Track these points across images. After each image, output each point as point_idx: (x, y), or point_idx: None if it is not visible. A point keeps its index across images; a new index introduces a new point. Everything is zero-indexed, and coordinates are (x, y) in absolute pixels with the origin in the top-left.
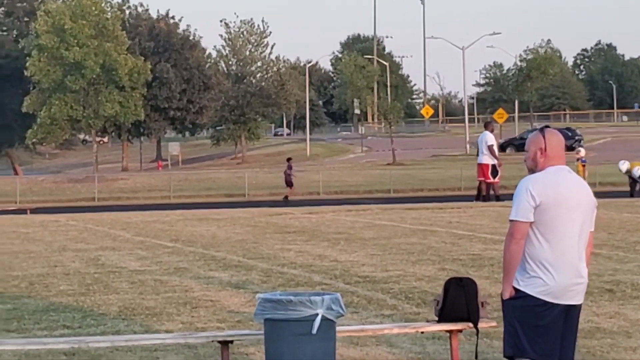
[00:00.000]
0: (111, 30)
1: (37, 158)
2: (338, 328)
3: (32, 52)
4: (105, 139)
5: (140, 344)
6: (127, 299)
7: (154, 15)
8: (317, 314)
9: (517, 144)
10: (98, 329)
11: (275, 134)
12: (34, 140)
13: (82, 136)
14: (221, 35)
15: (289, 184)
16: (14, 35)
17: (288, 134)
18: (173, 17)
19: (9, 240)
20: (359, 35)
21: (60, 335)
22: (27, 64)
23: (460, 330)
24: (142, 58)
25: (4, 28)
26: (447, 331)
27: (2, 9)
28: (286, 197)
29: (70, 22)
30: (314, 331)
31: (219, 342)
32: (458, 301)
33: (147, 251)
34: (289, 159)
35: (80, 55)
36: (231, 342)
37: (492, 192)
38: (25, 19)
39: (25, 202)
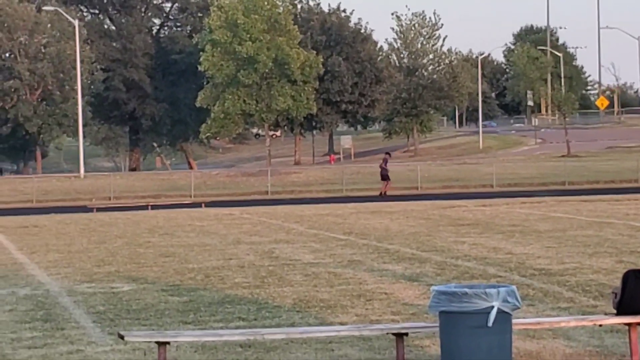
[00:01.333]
0: (283, 24)
1: (210, 152)
2: (514, 321)
3: (206, 47)
4: (278, 133)
5: (315, 336)
6: (301, 292)
7: (326, 9)
8: (492, 307)
9: None
10: (273, 321)
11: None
12: (208, 134)
13: (255, 130)
14: (392, 28)
15: (385, 177)
16: (188, 31)
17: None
18: (344, 11)
19: (184, 233)
20: (531, 26)
21: (236, 327)
22: (201, 59)
23: (639, 323)
24: (314, 52)
25: (178, 24)
26: (625, 324)
27: (176, 4)
28: (383, 192)
29: (243, 17)
30: (490, 324)
31: (394, 334)
32: (637, 293)
33: (321, 244)
34: (387, 153)
35: (253, 49)
36: (406, 334)
37: None
38: (199, 14)
39: (199, 196)
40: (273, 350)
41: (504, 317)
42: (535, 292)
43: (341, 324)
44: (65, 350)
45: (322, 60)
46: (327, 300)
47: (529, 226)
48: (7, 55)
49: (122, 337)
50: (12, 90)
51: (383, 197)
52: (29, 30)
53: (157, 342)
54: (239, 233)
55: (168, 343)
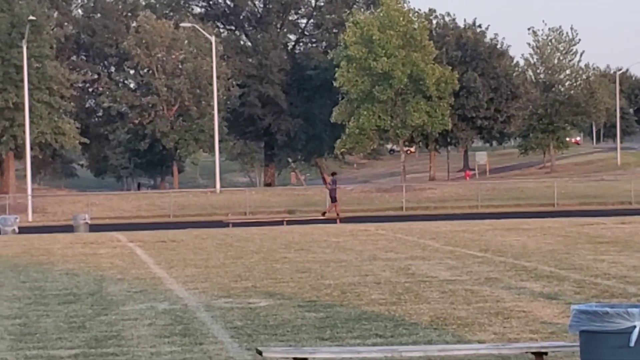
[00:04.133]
0: (419, 40)
1: (345, 167)
2: None
3: (341, 63)
4: (413, 149)
5: (453, 354)
6: (438, 309)
7: (461, 25)
8: (634, 326)
9: None
10: (410, 338)
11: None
12: (343, 150)
13: (389, 146)
14: (529, 44)
15: (333, 199)
16: (323, 47)
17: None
18: (480, 26)
19: (320, 249)
20: None
21: (373, 344)
22: (336, 75)
23: None
24: (450, 67)
25: (313, 40)
26: None
27: (312, 21)
28: (324, 212)
29: (379, 32)
30: (632, 344)
31: (533, 353)
32: None
33: (457, 261)
34: (333, 174)
35: (388, 65)
36: (545, 353)
37: None
38: (334, 30)
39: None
40: None
41: None
42: None
43: (479, 342)
44: None
45: (457, 75)
46: (465, 318)
47: None
48: (146, 71)
49: (260, 353)
50: (150, 106)
51: (341, 219)
52: (167, 46)
53: (294, 359)
54: (374, 249)
55: (306, 359)
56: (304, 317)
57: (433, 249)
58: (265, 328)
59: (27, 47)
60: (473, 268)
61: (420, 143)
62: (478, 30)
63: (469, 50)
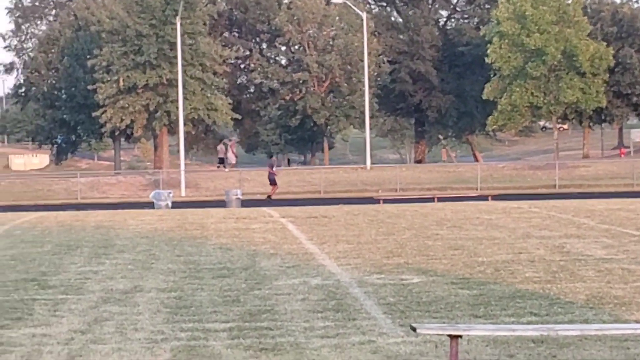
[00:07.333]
0: (572, 15)
1: (496, 145)
2: None
3: (493, 39)
4: (565, 126)
5: (610, 334)
6: (594, 288)
7: (617, 0)
8: None
9: None
10: (565, 317)
11: None
12: (494, 127)
13: (541, 123)
14: None
15: (272, 182)
16: (475, 23)
17: None
18: (637, 1)
19: (472, 226)
20: None
21: (528, 323)
22: (488, 51)
23: None
24: (604, 43)
25: (465, 16)
26: None
27: None
28: (269, 196)
29: (532, 8)
30: None
31: None
32: None
33: (613, 239)
34: (270, 156)
35: (541, 41)
36: None
37: None
38: (486, 6)
39: (486, 189)
40: (566, 346)
41: None
42: None
43: (637, 321)
44: (357, 340)
45: (612, 52)
46: (622, 297)
47: None
48: (297, 47)
49: (414, 330)
50: (301, 82)
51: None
52: (318, 23)
53: (449, 335)
54: (527, 227)
55: (460, 336)
56: (457, 294)
57: (588, 227)
58: (418, 305)
59: (181, 24)
60: (630, 247)
61: (574, 120)
62: (635, 5)
63: (624, 26)
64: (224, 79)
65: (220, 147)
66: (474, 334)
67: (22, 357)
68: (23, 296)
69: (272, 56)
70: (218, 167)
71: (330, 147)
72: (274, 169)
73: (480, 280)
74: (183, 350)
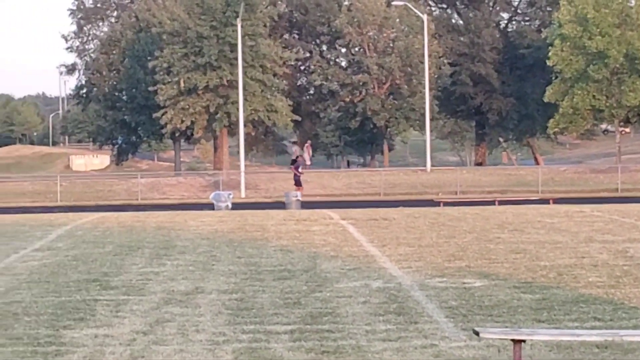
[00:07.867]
0: (634, 18)
1: (557, 148)
2: None
3: (555, 41)
4: (628, 129)
5: None
6: None
7: None
8: None
9: None
10: (630, 323)
11: None
12: (556, 129)
13: (603, 126)
14: None
15: (297, 183)
16: (536, 25)
17: None
18: None
19: (534, 230)
20: None
21: (591, 328)
22: (550, 54)
23: None
24: None
25: (527, 18)
26: None
27: None
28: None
29: (594, 11)
30: None
31: None
32: None
33: None
34: (296, 158)
35: (603, 44)
36: None
37: None
38: (548, 8)
39: (547, 192)
40: (631, 352)
41: None
42: None
43: None
44: (420, 344)
45: None
46: None
47: None
48: (357, 49)
49: (477, 334)
50: (361, 84)
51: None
52: (378, 24)
53: (512, 340)
54: (590, 231)
55: (524, 341)
56: (520, 299)
57: None
58: (481, 308)
59: (242, 26)
60: None
61: (636, 123)
62: None
63: None
64: (284, 81)
65: (296, 148)
66: (537, 338)
67: (84, 358)
68: (85, 297)
69: (332, 58)
70: (297, 169)
71: (390, 149)
72: (300, 169)
73: (543, 285)
74: (245, 352)
